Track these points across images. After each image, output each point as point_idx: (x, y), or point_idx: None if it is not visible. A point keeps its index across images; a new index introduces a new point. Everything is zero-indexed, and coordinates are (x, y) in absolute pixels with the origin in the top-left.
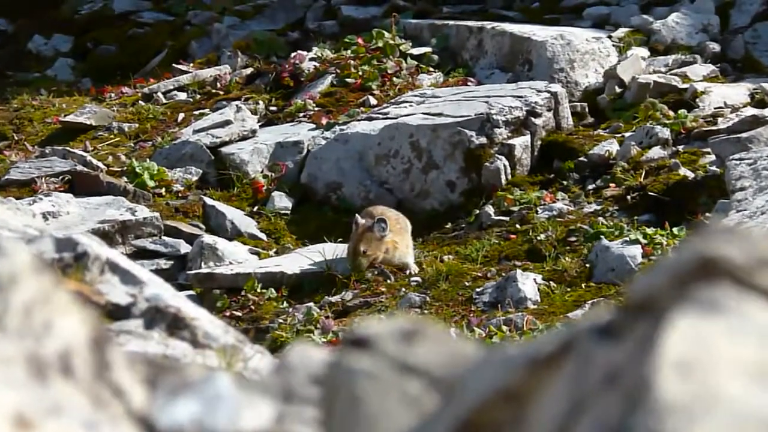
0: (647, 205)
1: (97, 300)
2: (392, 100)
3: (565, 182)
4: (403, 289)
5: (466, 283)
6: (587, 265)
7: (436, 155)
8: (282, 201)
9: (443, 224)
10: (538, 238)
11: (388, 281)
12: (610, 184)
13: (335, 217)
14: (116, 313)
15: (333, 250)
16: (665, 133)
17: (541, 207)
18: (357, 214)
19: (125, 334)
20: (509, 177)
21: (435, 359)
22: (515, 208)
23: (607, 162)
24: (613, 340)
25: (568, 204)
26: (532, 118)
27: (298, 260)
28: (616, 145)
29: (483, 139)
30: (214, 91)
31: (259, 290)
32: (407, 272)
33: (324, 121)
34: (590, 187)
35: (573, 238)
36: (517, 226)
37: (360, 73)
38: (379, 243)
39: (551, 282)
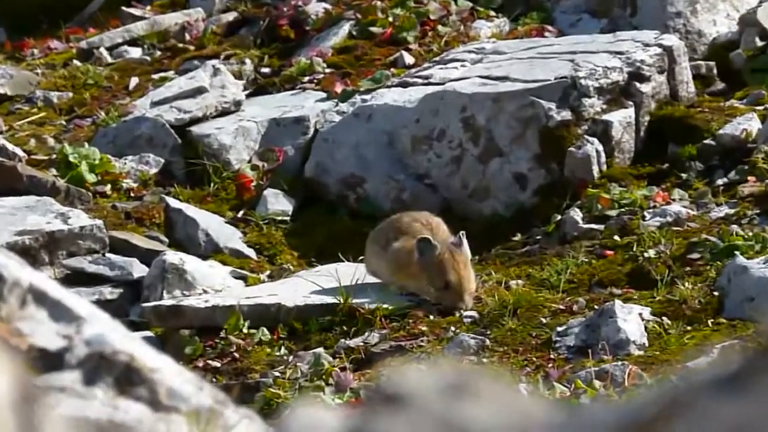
0: None
1: (17, 343)
2: (436, 58)
3: (684, 175)
4: (452, 329)
5: (543, 320)
6: (715, 294)
7: (500, 137)
8: (278, 203)
9: (509, 236)
10: (646, 255)
11: (431, 317)
12: (749, 178)
13: (353, 226)
14: (44, 361)
15: (352, 272)
16: None
17: (650, 211)
18: (416, 239)
19: (57, 391)
20: (604, 168)
21: (494, 423)
22: (613, 213)
23: (744, 146)
24: (741, 393)
25: (689, 206)
26: (637, 84)
27: (301, 287)
28: (758, 123)
29: (567, 114)
30: (181, 45)
31: (246, 330)
32: (459, 306)
33: (339, 88)
34: (720, 182)
35: (695, 255)
36: (616, 238)
37: (390, 18)
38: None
39: (664, 318)
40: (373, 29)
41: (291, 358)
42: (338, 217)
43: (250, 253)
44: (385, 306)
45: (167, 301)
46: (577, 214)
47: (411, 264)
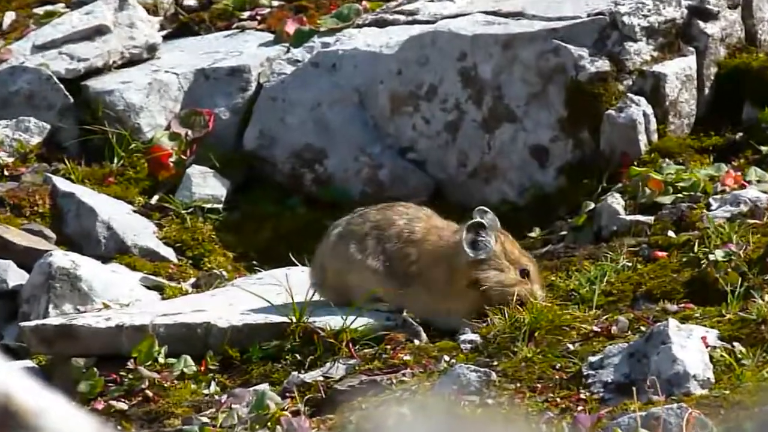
0: None
1: None
2: None
3: (764, 149)
4: (446, 358)
5: (570, 346)
6: None
7: (512, 96)
8: (207, 185)
9: (524, 230)
10: (711, 257)
11: (417, 341)
12: None
13: (310, 217)
14: None
15: (307, 277)
16: None
17: (718, 197)
18: (463, 228)
19: None
20: (654, 138)
21: None
22: (666, 200)
23: None
24: None
25: None
26: (701, 23)
27: (238, 301)
28: None
29: (604, 64)
30: None
31: (162, 360)
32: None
33: (291, 28)
34: None
35: None
36: (671, 234)
37: None
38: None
39: (736, 344)
40: None
41: (224, 397)
42: (289, 205)
43: (168, 253)
44: (354, 327)
45: (54, 320)
46: (617, 201)
47: (459, 274)
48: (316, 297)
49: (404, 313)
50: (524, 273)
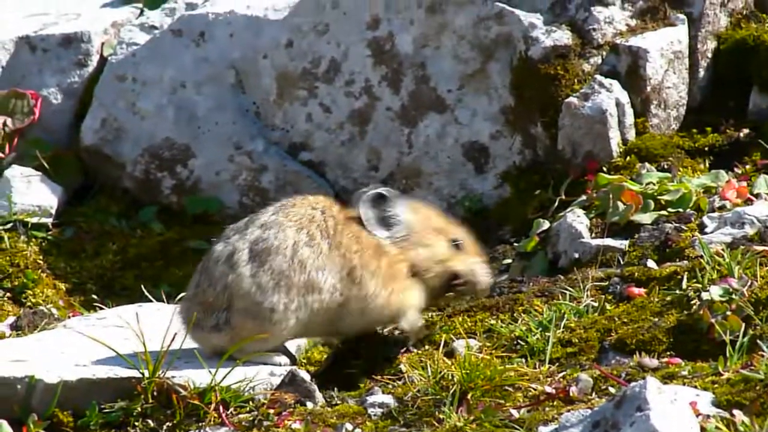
0: None
1: None
2: None
3: None
4: (348, 427)
5: (514, 413)
6: None
7: (441, 76)
8: (32, 191)
9: None
10: (705, 296)
11: (310, 403)
12: None
13: (170, 235)
14: None
15: (167, 320)
16: None
17: (715, 215)
18: (360, 202)
19: None
20: (632, 135)
21: None
22: (645, 219)
23: None
24: None
25: None
26: None
27: (72, 348)
28: None
29: (563, 35)
30: None
31: None
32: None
33: None
34: None
35: None
36: (651, 264)
37: None
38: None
39: (737, 411)
40: None
41: None
42: (141, 219)
43: None
44: (226, 383)
45: None
46: (579, 219)
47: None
48: (177, 344)
49: (295, 366)
50: (456, 244)
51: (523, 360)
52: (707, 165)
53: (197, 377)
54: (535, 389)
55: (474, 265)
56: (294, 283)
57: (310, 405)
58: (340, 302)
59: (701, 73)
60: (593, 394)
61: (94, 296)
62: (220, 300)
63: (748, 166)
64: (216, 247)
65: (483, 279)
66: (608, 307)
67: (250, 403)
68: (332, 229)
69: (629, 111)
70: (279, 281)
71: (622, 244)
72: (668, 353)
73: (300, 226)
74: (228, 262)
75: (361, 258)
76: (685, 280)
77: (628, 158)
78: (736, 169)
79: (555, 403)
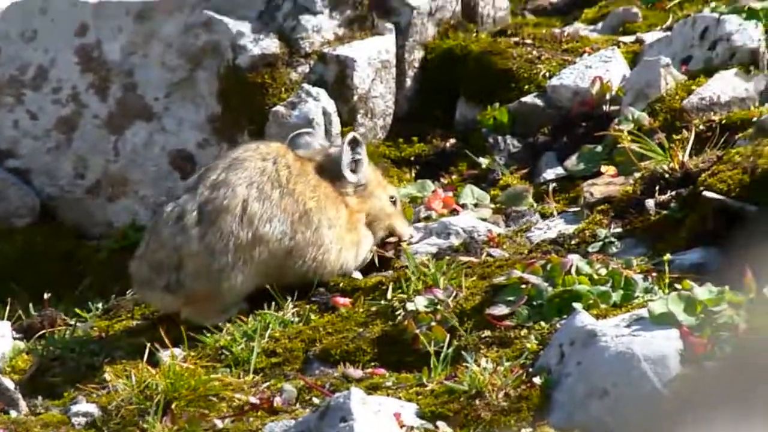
0: (695, 237)
1: None
2: None
3: (483, 161)
4: None
5: (218, 423)
6: (536, 382)
7: (147, 84)
8: None
9: None
10: (410, 307)
11: (14, 412)
12: (603, 169)
13: None
14: None
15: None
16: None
17: (421, 226)
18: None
19: None
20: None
21: None
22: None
23: (595, 108)
24: None
25: (492, 219)
26: None
27: None
28: (622, 65)
29: (271, 44)
30: None
31: None
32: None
33: None
34: (550, 174)
35: (501, 310)
36: (355, 275)
37: None
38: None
39: (441, 424)
40: None
41: None
42: None
43: None
44: None
45: None
46: None
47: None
48: None
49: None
50: (393, 201)
51: (228, 370)
52: (413, 175)
53: None
54: (239, 399)
55: (405, 223)
56: (242, 240)
57: (14, 414)
58: (290, 248)
59: (408, 82)
60: (297, 404)
61: None
62: (171, 260)
63: (454, 176)
64: (165, 207)
65: (408, 237)
66: (313, 317)
67: None
68: (285, 178)
69: (336, 120)
70: (228, 242)
71: None
72: (373, 364)
73: (250, 182)
74: (177, 224)
75: (318, 203)
76: (390, 290)
77: None
78: (442, 179)
79: (259, 413)
